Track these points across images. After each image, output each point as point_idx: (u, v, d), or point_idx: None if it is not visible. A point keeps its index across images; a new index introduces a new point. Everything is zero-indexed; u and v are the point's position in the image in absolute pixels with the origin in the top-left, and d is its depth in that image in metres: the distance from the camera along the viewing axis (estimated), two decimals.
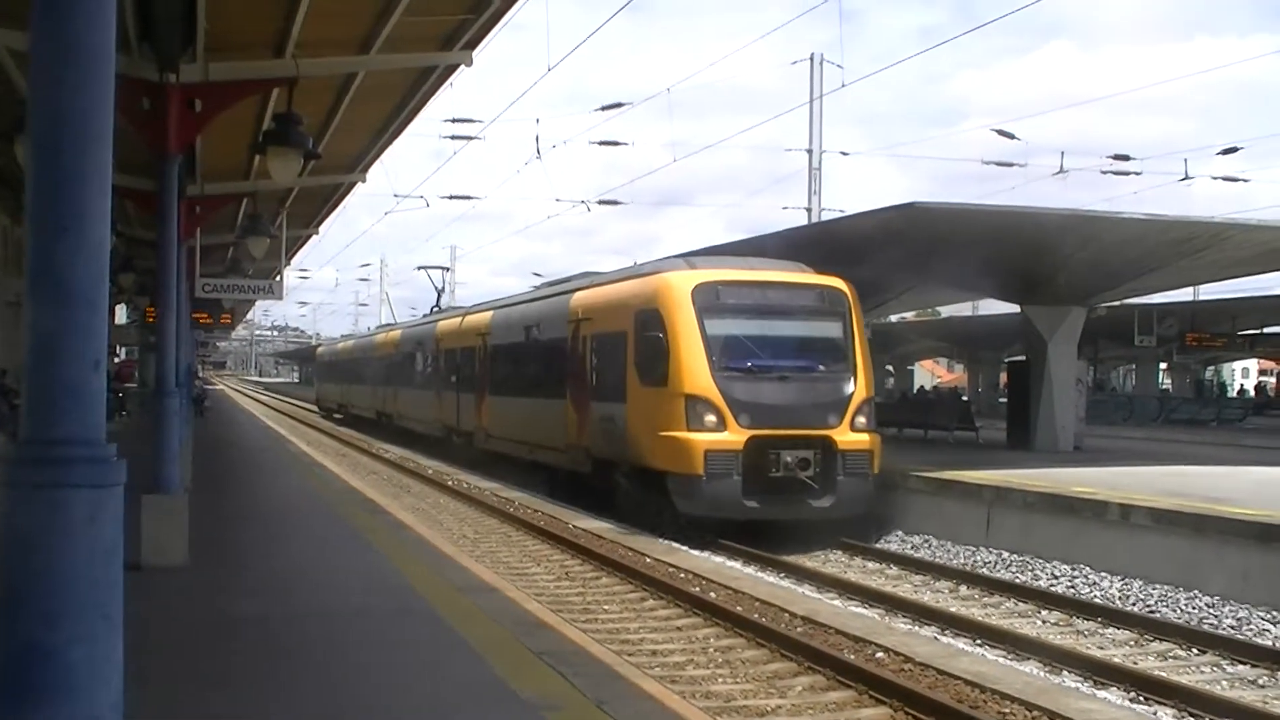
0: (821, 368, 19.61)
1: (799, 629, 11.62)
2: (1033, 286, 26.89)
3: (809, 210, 37.13)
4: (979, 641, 12.51)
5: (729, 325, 19.30)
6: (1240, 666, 11.69)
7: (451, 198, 47.41)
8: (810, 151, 37.05)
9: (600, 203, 46.09)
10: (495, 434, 29.28)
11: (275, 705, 7.05)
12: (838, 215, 32.92)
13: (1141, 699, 10.36)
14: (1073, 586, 15.65)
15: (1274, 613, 13.56)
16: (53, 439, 3.45)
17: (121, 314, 39.87)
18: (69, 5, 3.52)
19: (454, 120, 37.27)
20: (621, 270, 24.80)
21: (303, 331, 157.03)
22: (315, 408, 68.34)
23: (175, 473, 12.15)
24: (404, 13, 12.09)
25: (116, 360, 46.53)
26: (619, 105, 36.08)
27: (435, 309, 49.21)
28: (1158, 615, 14.00)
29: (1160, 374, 63.30)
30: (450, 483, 26.41)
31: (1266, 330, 57.29)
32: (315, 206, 25.94)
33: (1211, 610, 14.01)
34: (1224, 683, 11.24)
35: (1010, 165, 39.48)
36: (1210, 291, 50.55)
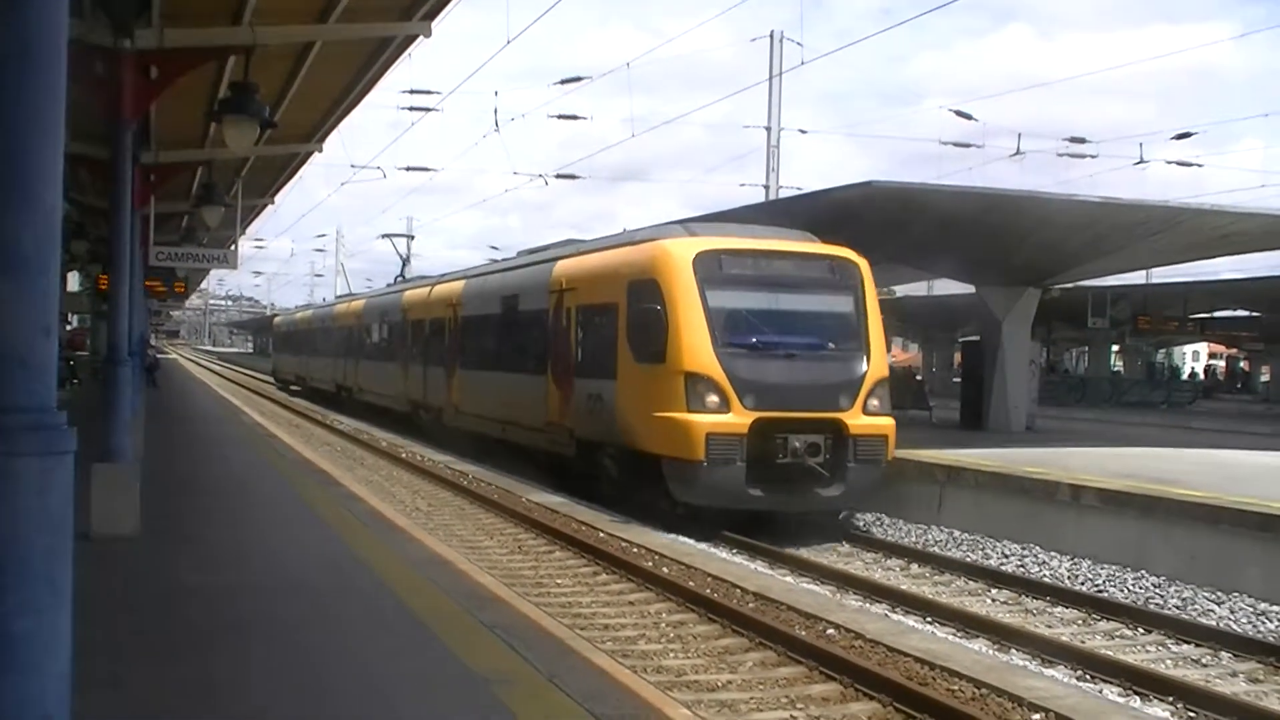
0: (831, 345, 18.15)
1: (750, 605, 11.67)
2: (987, 267, 27.05)
3: (766, 188, 37.11)
4: (929, 619, 12.60)
5: (733, 298, 17.88)
6: (1185, 646, 11.84)
7: (409, 169, 47.55)
8: (769, 129, 37.02)
9: (558, 177, 45.79)
10: (466, 410, 27.88)
11: (225, 677, 7.02)
12: (795, 193, 32.99)
13: (1088, 677, 10.47)
14: (1022, 566, 15.79)
15: (1219, 593, 13.75)
16: (1, 406, 3.41)
17: (74, 281, 39.43)
18: None
19: (412, 91, 36.98)
20: (610, 237, 23.16)
21: (257, 301, 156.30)
22: (271, 379, 66.35)
23: (127, 442, 12.06)
24: None
25: (68, 328, 46.06)
26: (578, 79, 35.93)
27: (399, 278, 47.80)
28: (1105, 595, 14.14)
29: (1112, 356, 63.80)
30: (404, 455, 26.34)
31: (1217, 314, 58.00)
32: (271, 176, 25.75)
33: (1158, 590, 14.19)
34: (1168, 661, 11.39)
35: (968, 146, 39.77)
36: (1162, 275, 51.03)
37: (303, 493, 16.10)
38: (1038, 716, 8.38)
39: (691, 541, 15.86)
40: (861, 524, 18.94)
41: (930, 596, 13.79)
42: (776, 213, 23.89)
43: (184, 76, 12.64)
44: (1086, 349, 64.57)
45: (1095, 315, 44.45)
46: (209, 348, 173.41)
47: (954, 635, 11.87)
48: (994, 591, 14.35)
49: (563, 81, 36.15)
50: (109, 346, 12.62)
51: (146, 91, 12.03)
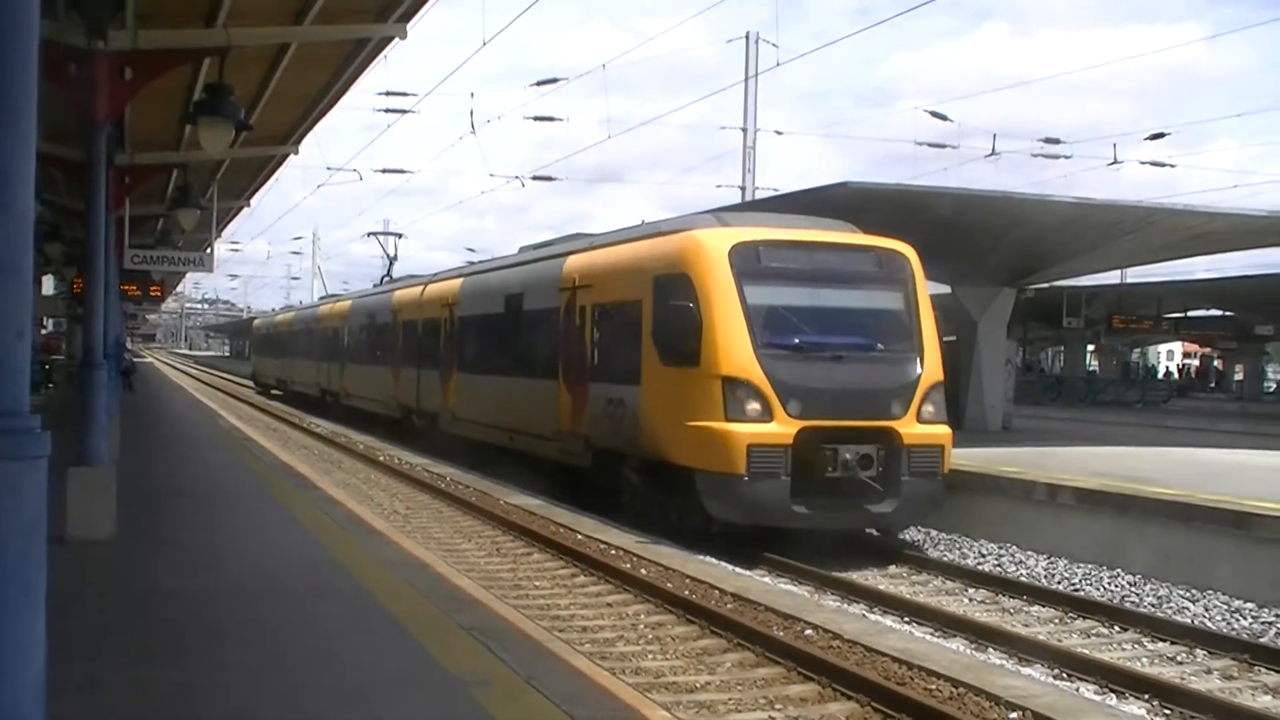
0: (881, 346, 16.63)
1: (729, 606, 11.67)
2: (963, 267, 27.13)
3: (743, 189, 37.23)
4: (906, 619, 12.63)
5: (773, 293, 16.34)
6: (1160, 644, 11.90)
7: (385, 171, 47.45)
8: (745, 130, 37.15)
9: (535, 178, 45.69)
10: (465, 417, 26.18)
11: (201, 680, 7.00)
12: (772, 194, 33.05)
13: (1065, 675, 10.51)
14: (999, 565, 15.84)
15: (1193, 591, 13.83)
16: None
17: (49, 285, 39.25)
18: None
19: (388, 93, 37.00)
20: (628, 229, 21.45)
21: (233, 305, 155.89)
22: (250, 384, 65.03)
23: (102, 445, 12.00)
24: None
25: (43, 332, 45.86)
26: (554, 81, 36.03)
27: (386, 278, 46.30)
28: (1081, 593, 14.20)
29: (1088, 355, 64.11)
30: (382, 458, 26.27)
31: (1190, 314, 58.34)
32: (247, 178, 25.68)
33: (1133, 589, 14.26)
34: (1144, 659, 11.44)
35: (943, 147, 39.98)
36: (1137, 275, 51.27)
37: (280, 496, 16.05)
38: (1015, 715, 8.40)
39: (669, 542, 15.63)
40: None
41: (907, 596, 13.83)
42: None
43: (158, 78, 12.59)
44: (1062, 349, 64.91)
45: (1070, 315, 44.63)
46: (185, 351, 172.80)
47: (931, 635, 11.90)
48: (971, 591, 14.39)
49: (539, 83, 36.30)
50: (84, 350, 12.56)
51: (121, 93, 11.97)
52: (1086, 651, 11.36)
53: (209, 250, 27.31)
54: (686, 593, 12.20)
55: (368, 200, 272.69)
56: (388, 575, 10.44)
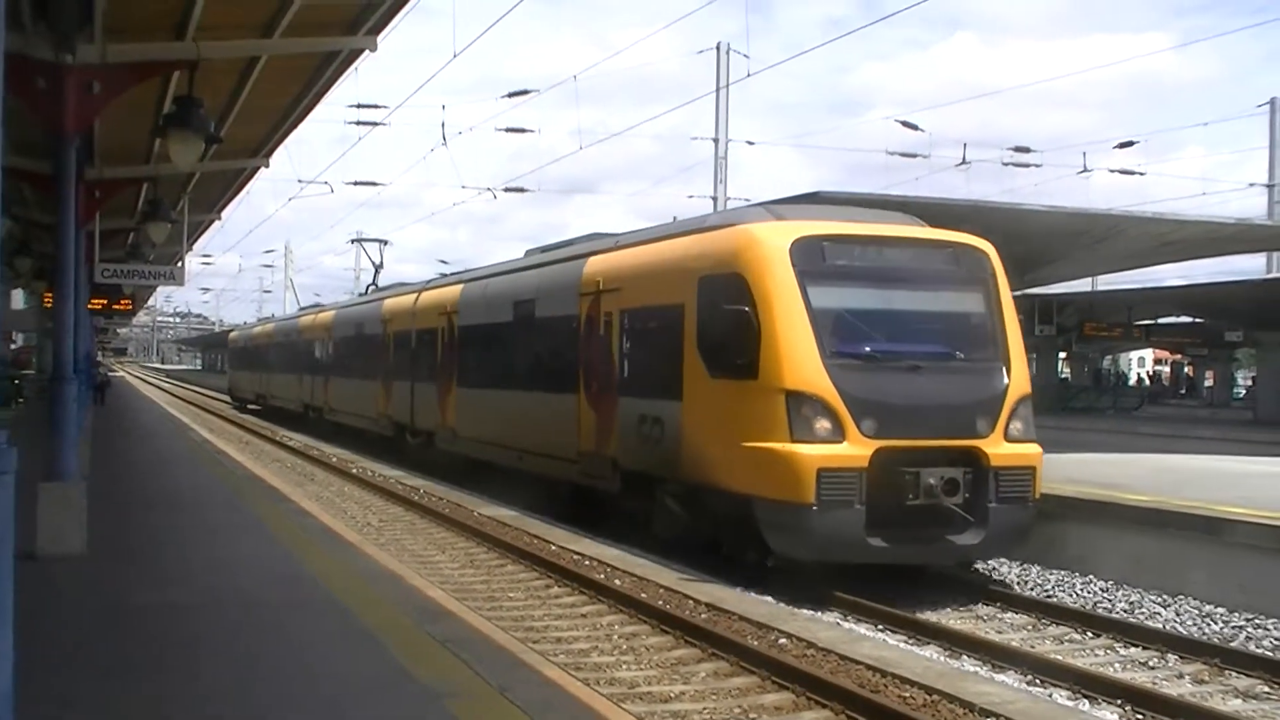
0: (962, 354, 14.76)
1: (703, 616, 11.68)
2: None
3: (714, 199, 37.36)
4: (880, 627, 12.66)
5: (840, 296, 14.53)
6: (1132, 649, 11.94)
7: (357, 184, 47.12)
8: (716, 140, 37.25)
9: (506, 190, 45.80)
10: (467, 434, 24.21)
11: (174, 694, 6.97)
12: (743, 204, 33.11)
13: (1038, 681, 10.55)
14: (972, 572, 15.86)
15: (1165, 596, 13.90)
16: None
17: (19, 299, 39.05)
18: None
19: (359, 106, 36.92)
20: (661, 226, 19.33)
21: (205, 318, 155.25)
22: (227, 399, 63.48)
23: (73, 460, 11.96)
24: None
25: (13, 346, 45.60)
26: (525, 92, 36.20)
27: (372, 286, 44.36)
28: (1054, 600, 14.25)
29: (1060, 363, 64.39)
30: (355, 471, 26.22)
31: (1161, 321, 58.60)
32: (218, 191, 25.64)
33: (1106, 595, 14.32)
34: (1117, 664, 11.49)
35: (914, 156, 40.26)
36: (1107, 283, 51.53)
37: (253, 509, 16.00)
38: None
39: (642, 553, 15.27)
40: None
41: (879, 606, 13.84)
42: None
43: (127, 91, 12.56)
44: (1034, 356, 65.08)
45: (1042, 322, 44.86)
46: (158, 365, 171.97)
47: (905, 643, 11.92)
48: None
49: (510, 94, 36.33)
50: (54, 364, 12.51)
51: (89, 106, 11.93)
52: (1060, 657, 11.39)
53: (180, 264, 27.26)
54: (661, 603, 12.20)
55: (340, 213, 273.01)
56: (362, 587, 10.42)
